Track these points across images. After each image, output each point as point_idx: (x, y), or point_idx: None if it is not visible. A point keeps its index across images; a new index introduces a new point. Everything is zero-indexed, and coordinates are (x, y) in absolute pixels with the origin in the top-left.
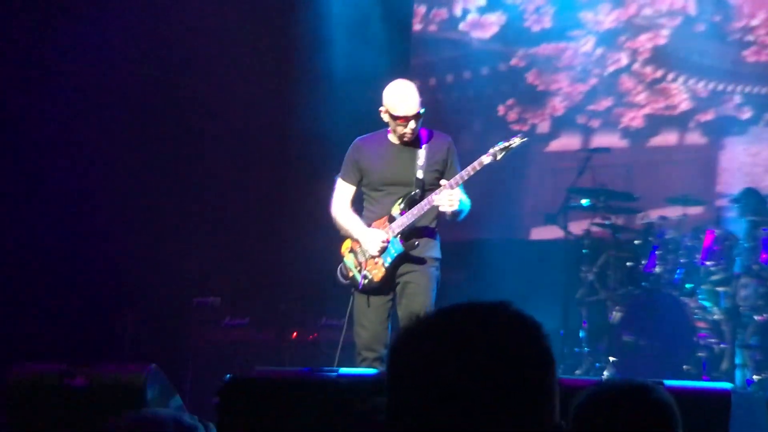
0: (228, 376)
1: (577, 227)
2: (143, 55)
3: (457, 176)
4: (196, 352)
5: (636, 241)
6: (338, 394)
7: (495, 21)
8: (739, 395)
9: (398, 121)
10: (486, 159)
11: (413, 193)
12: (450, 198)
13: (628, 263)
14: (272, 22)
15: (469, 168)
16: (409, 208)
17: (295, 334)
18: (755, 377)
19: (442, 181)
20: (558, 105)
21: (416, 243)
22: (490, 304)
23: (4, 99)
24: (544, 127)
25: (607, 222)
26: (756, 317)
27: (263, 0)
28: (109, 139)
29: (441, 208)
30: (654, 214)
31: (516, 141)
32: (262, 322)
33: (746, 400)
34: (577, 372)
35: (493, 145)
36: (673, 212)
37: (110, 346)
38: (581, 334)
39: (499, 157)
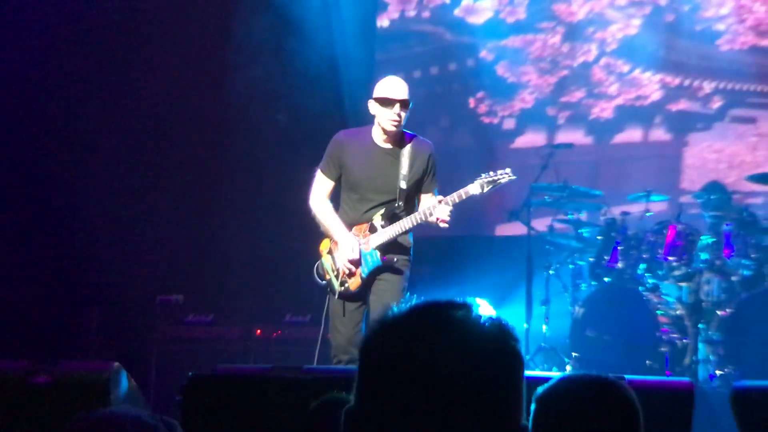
0: (191, 373)
1: (541, 223)
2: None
3: (453, 195)
4: (160, 350)
5: (598, 237)
6: (302, 390)
7: (488, 6)
8: (702, 390)
9: (386, 105)
10: (472, 189)
11: (396, 205)
12: (450, 212)
13: (590, 259)
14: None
15: (454, 195)
16: (391, 222)
17: (259, 331)
18: (718, 372)
19: (439, 197)
20: (528, 97)
21: (395, 259)
22: (461, 303)
23: None
24: (510, 123)
25: (570, 218)
26: (719, 312)
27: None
28: (72, 136)
29: (439, 221)
30: (617, 210)
31: (504, 178)
32: (226, 320)
33: (709, 395)
34: (540, 367)
35: (479, 176)
36: (636, 208)
37: (74, 343)
38: (544, 329)
39: (485, 189)
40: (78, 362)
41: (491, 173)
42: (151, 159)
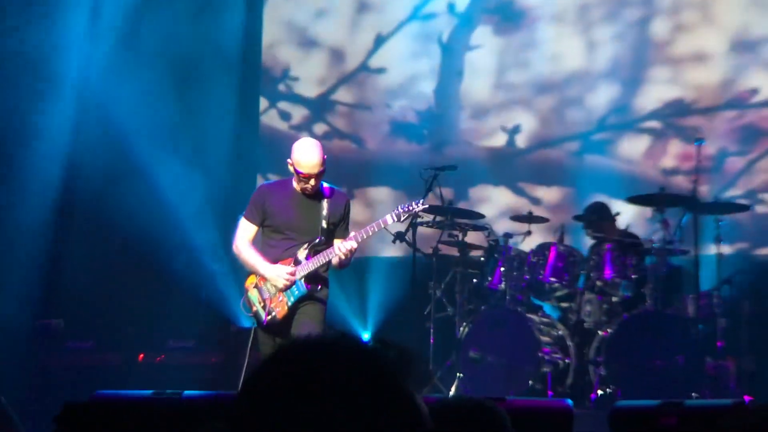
0: (65, 401)
1: (425, 244)
2: None
3: (363, 231)
4: (39, 376)
5: (482, 258)
6: (182, 417)
7: None
8: (582, 411)
9: (301, 176)
10: (389, 219)
11: (318, 240)
12: (352, 249)
13: (474, 280)
14: None
15: (374, 225)
16: (314, 255)
17: (141, 356)
18: (599, 392)
19: (353, 233)
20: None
21: (318, 287)
22: (357, 342)
23: None
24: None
25: (454, 239)
26: (600, 332)
27: None
28: None
29: (340, 254)
30: (500, 231)
31: (418, 207)
32: (107, 345)
33: (589, 415)
34: (425, 389)
35: (395, 208)
36: (519, 229)
37: None
38: (429, 350)
39: (402, 219)
40: None
41: (407, 206)
42: (25, 183)
